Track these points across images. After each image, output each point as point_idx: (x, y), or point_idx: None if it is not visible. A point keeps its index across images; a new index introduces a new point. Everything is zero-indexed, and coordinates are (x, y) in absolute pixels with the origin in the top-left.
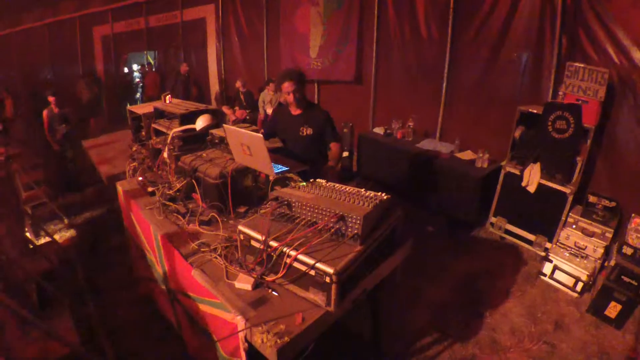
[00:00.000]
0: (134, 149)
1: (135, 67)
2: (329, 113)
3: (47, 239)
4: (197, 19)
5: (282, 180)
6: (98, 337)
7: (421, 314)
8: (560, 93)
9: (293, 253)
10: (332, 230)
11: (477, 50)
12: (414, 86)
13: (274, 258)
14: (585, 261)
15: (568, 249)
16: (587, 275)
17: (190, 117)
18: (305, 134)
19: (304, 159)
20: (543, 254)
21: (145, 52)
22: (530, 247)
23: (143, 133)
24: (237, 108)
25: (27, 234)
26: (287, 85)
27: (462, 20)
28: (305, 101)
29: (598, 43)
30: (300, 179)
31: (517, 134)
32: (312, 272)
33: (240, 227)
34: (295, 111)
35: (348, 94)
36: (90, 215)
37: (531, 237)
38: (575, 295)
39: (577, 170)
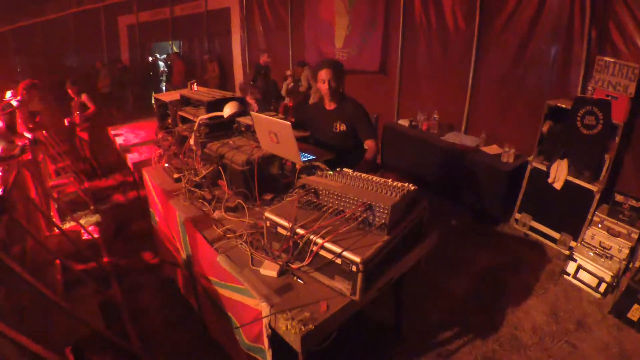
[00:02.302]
0: (160, 136)
1: (158, 56)
2: (364, 107)
3: (73, 223)
4: (221, 9)
5: (309, 169)
6: (121, 320)
7: (443, 306)
8: (590, 88)
9: (320, 241)
10: (360, 219)
11: (504, 42)
12: (440, 78)
13: (300, 245)
14: (609, 261)
15: (593, 248)
16: (611, 276)
17: (217, 105)
18: (338, 130)
19: (339, 155)
20: (567, 252)
21: (170, 41)
22: (554, 245)
23: (169, 120)
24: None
25: (53, 219)
26: (323, 73)
27: (489, 10)
28: (340, 95)
29: (629, 36)
30: (327, 168)
31: (544, 128)
32: (339, 261)
33: (267, 214)
34: (329, 105)
35: (373, 85)
36: (116, 201)
37: (556, 235)
38: (598, 296)
39: (605, 168)
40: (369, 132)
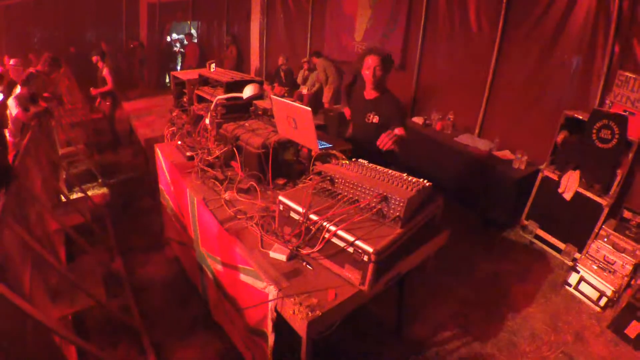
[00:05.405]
0: (175, 113)
1: (175, 36)
2: (402, 104)
3: (80, 194)
4: None
5: (324, 157)
6: (123, 294)
7: (444, 307)
8: (608, 102)
9: (333, 228)
10: (374, 210)
11: (527, 49)
12: (458, 79)
13: (313, 232)
14: (612, 276)
15: (597, 262)
16: (613, 291)
17: (236, 86)
18: (370, 120)
19: (369, 148)
20: (571, 263)
21: (189, 22)
22: (558, 255)
23: (185, 99)
24: (276, 85)
25: (62, 188)
26: (369, 59)
27: (514, 16)
28: (383, 87)
29: None
30: (343, 157)
31: (559, 138)
32: (351, 249)
33: (281, 198)
34: (368, 95)
35: (390, 81)
36: (125, 175)
37: (561, 245)
38: (598, 309)
39: (616, 183)
40: (401, 124)
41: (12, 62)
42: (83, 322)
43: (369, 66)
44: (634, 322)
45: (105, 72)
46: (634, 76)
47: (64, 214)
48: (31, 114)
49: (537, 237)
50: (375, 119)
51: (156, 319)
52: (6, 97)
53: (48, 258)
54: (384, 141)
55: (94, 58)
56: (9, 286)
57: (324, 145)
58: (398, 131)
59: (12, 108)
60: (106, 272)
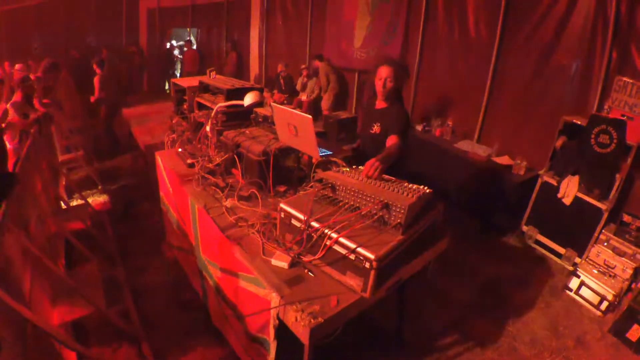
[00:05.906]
0: (175, 120)
1: (175, 43)
2: (407, 114)
3: (80, 201)
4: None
5: (324, 164)
6: (124, 299)
7: (444, 312)
8: (606, 107)
9: (335, 235)
10: (376, 217)
11: (525, 55)
12: (457, 85)
13: (314, 239)
14: (612, 280)
15: (597, 266)
16: (613, 295)
17: (236, 94)
18: (373, 131)
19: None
20: (571, 268)
21: (188, 29)
22: (558, 260)
23: (185, 106)
24: (275, 92)
25: (62, 194)
26: (382, 70)
27: (512, 23)
28: (394, 98)
29: None
30: (344, 164)
31: (558, 143)
32: (352, 256)
33: (282, 205)
34: (378, 105)
35: None
36: (125, 181)
37: (561, 250)
38: (599, 313)
39: (615, 188)
40: (398, 131)
41: (16, 66)
42: (83, 325)
43: (380, 77)
44: (635, 326)
45: (95, 79)
46: (631, 81)
47: (64, 220)
48: (31, 120)
49: (537, 242)
50: (377, 130)
51: (156, 324)
52: (7, 102)
53: (48, 263)
54: (370, 172)
55: (94, 65)
56: (9, 291)
57: (324, 152)
58: (390, 140)
59: (10, 114)
60: (106, 277)
